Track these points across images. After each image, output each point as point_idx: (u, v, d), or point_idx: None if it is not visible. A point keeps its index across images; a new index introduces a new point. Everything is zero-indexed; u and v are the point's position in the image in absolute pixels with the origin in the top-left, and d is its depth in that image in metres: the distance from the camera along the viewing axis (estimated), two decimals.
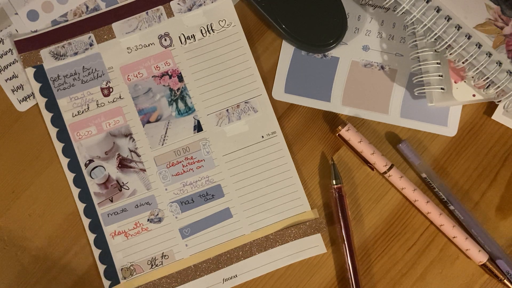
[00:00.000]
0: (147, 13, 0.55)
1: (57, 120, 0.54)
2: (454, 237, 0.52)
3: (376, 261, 0.53)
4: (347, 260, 0.52)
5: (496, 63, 0.48)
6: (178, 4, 0.55)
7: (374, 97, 0.55)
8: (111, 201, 0.53)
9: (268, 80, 0.55)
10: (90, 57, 0.55)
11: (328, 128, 0.55)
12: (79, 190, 0.54)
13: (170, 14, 0.55)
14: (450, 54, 0.49)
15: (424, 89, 0.52)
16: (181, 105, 0.54)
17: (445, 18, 0.48)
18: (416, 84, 0.54)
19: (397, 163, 0.54)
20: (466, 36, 0.48)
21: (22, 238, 0.54)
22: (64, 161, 0.54)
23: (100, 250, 0.53)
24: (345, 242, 0.52)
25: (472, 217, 0.53)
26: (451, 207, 0.53)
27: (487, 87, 0.50)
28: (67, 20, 0.55)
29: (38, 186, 0.54)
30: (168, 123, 0.54)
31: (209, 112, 0.54)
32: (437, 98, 0.52)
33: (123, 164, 0.54)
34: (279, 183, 0.53)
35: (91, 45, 0.54)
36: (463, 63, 0.49)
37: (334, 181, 0.53)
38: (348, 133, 0.53)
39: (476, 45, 0.48)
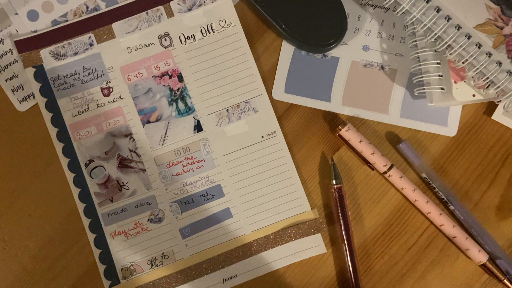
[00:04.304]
0: (147, 13, 0.55)
1: (57, 120, 0.54)
2: (454, 237, 0.52)
3: (376, 261, 0.53)
4: (347, 260, 0.52)
5: (496, 63, 0.48)
6: (178, 4, 0.55)
7: (374, 97, 0.55)
8: (111, 201, 0.53)
9: (268, 80, 0.55)
10: (90, 57, 0.55)
11: (328, 128, 0.55)
12: (79, 190, 0.54)
13: (170, 14, 0.55)
14: (450, 54, 0.49)
15: (424, 89, 0.52)
16: (181, 105, 0.54)
17: (445, 18, 0.48)
18: (416, 84, 0.54)
19: (397, 163, 0.54)
20: (466, 36, 0.48)
21: (22, 238, 0.54)
22: (64, 161, 0.54)
23: (100, 250, 0.53)
24: (345, 242, 0.52)
25: (472, 217, 0.53)
26: (451, 207, 0.53)
27: (487, 87, 0.50)
28: (67, 20, 0.55)
29: (38, 186, 0.54)
30: (168, 123, 0.54)
31: (209, 112, 0.54)
32: (437, 98, 0.52)
33: (123, 164, 0.54)
34: (279, 183, 0.53)
35: (91, 45, 0.55)
36: (463, 63, 0.49)
37: (334, 181, 0.53)
38: (348, 133, 0.53)
39: (476, 45, 0.48)
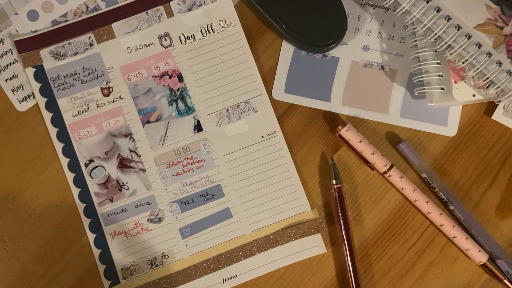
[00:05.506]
0: (147, 13, 0.55)
1: (57, 120, 0.54)
2: (454, 237, 0.52)
3: (376, 261, 0.53)
4: (347, 260, 0.52)
5: (496, 63, 0.48)
6: (178, 4, 0.55)
7: (374, 97, 0.55)
8: (111, 201, 0.53)
9: (268, 80, 0.55)
10: (90, 57, 0.55)
11: (328, 128, 0.55)
12: (79, 190, 0.54)
13: (170, 14, 0.55)
14: (450, 54, 0.49)
15: (424, 89, 0.52)
16: (181, 105, 0.54)
17: (445, 18, 0.48)
18: (416, 84, 0.54)
19: (397, 163, 0.54)
20: (466, 36, 0.48)
21: (22, 238, 0.54)
22: (64, 161, 0.54)
23: (100, 250, 0.53)
24: (345, 242, 0.52)
25: (472, 217, 0.53)
26: (451, 207, 0.53)
27: (487, 87, 0.50)
28: (67, 20, 0.55)
29: (38, 186, 0.54)
30: (168, 123, 0.54)
31: (209, 112, 0.54)
32: (437, 98, 0.52)
33: (123, 164, 0.54)
34: (279, 183, 0.53)
35: (91, 45, 0.55)
36: (463, 63, 0.49)
37: (334, 181, 0.53)
38: (348, 133, 0.53)
39: (476, 45, 0.48)
